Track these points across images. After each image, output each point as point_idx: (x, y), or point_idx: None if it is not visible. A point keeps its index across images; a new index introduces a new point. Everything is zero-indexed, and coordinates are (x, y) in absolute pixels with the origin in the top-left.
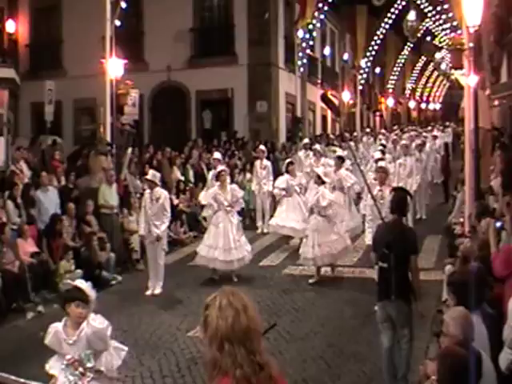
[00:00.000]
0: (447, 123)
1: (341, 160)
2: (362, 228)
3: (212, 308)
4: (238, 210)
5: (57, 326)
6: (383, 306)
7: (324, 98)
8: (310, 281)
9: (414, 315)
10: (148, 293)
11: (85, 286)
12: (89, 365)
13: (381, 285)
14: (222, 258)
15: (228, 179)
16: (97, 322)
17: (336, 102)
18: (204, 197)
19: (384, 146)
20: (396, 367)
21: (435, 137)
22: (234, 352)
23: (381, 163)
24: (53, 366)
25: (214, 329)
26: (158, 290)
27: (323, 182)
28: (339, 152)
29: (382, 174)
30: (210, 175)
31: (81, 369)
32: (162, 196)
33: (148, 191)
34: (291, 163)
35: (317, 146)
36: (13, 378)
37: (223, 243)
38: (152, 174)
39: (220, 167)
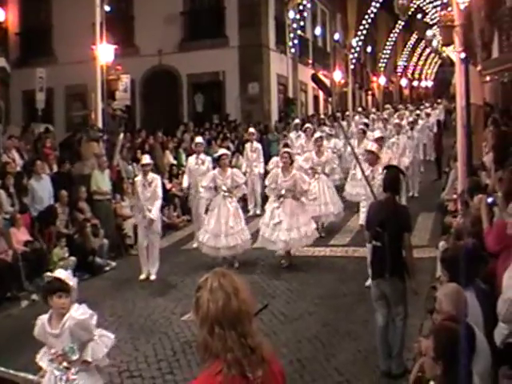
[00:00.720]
0: (438, 100)
1: (321, 141)
2: (343, 214)
3: (203, 290)
4: (239, 196)
5: (44, 318)
6: (377, 284)
7: (314, 79)
8: (284, 263)
9: (408, 292)
10: (142, 277)
11: (64, 275)
12: (73, 358)
13: (375, 263)
14: (212, 244)
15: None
16: (79, 312)
17: (327, 81)
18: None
19: (367, 124)
20: (391, 345)
21: (428, 114)
22: (225, 336)
23: (372, 146)
24: (42, 358)
25: (205, 312)
26: (153, 276)
27: (292, 162)
28: (318, 133)
29: (370, 155)
30: (192, 161)
31: (65, 363)
32: (155, 180)
33: (140, 177)
34: (286, 145)
35: (309, 125)
36: (2, 369)
37: (214, 229)
38: (148, 158)
39: (222, 151)
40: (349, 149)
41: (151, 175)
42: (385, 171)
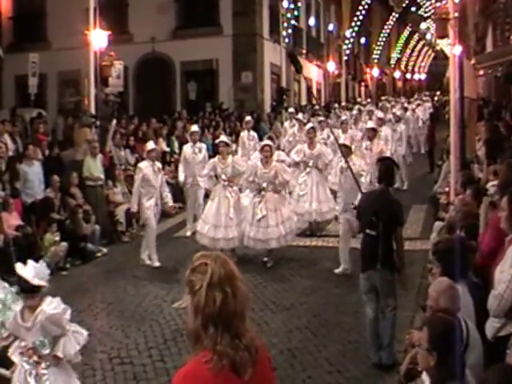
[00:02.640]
0: (427, 93)
1: (313, 132)
2: (330, 216)
3: (202, 278)
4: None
5: (16, 310)
6: (368, 276)
7: (290, 55)
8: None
9: (398, 284)
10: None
11: (30, 274)
12: (44, 352)
13: (366, 254)
14: (211, 235)
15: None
16: (52, 306)
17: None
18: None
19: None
20: (381, 337)
21: (418, 105)
22: (217, 336)
23: (345, 140)
24: (13, 352)
25: (201, 306)
26: (157, 263)
27: (272, 154)
28: (310, 124)
29: (343, 148)
30: (188, 150)
31: (35, 357)
32: (160, 168)
33: (149, 163)
34: (270, 138)
35: (299, 116)
36: None
37: (214, 219)
38: (153, 143)
39: (222, 137)
40: (331, 138)
41: (157, 163)
42: (379, 163)
